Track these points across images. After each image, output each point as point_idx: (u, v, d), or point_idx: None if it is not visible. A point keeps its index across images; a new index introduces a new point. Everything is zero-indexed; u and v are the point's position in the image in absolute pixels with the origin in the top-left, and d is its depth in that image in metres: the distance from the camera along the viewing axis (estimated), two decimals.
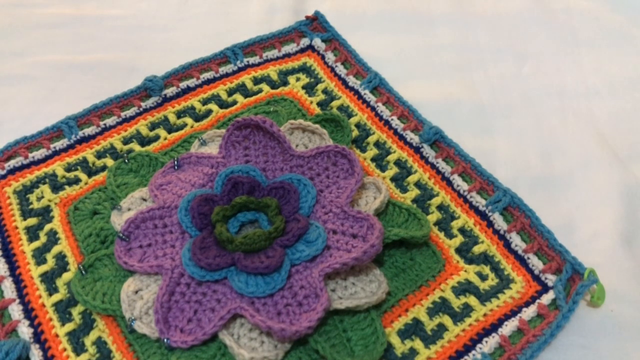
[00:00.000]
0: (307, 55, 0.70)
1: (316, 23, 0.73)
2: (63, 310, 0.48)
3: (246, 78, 0.67)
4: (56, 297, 0.49)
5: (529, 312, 0.48)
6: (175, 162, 0.56)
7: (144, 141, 0.61)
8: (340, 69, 0.68)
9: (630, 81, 0.70)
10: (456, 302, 0.49)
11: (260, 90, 0.66)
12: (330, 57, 0.70)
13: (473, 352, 0.46)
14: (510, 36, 0.76)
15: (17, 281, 0.50)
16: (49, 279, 0.50)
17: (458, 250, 0.52)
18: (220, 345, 0.45)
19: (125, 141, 0.61)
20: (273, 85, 0.67)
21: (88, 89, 0.68)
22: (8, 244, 0.53)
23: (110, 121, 0.62)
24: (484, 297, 0.49)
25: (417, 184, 0.57)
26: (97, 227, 0.52)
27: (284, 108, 0.63)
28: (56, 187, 0.56)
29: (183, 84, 0.66)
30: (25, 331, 0.47)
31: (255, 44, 0.70)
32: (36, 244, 0.52)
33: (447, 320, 0.48)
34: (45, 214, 0.55)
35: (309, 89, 0.67)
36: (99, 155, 0.60)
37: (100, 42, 0.75)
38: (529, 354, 0.45)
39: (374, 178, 0.54)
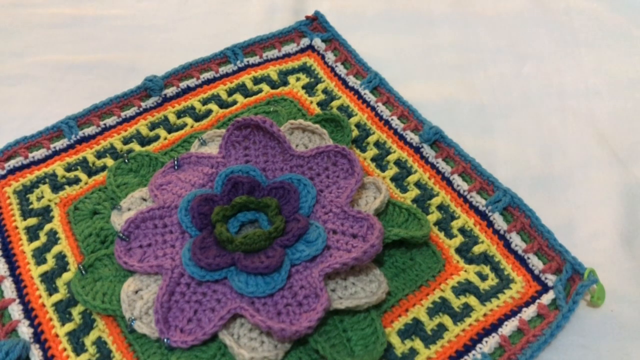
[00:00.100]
0: (307, 55, 0.70)
1: (316, 23, 0.73)
2: (63, 310, 0.48)
3: (246, 78, 0.67)
4: (56, 297, 0.49)
5: (529, 312, 0.48)
6: (175, 162, 0.56)
7: (144, 141, 0.61)
8: (340, 69, 0.68)
9: (630, 81, 0.70)
10: (456, 302, 0.49)
11: (260, 90, 0.66)
12: (330, 57, 0.70)
13: (473, 352, 0.46)
14: (510, 36, 0.76)
15: (17, 281, 0.50)
16: (49, 279, 0.50)
17: (458, 250, 0.52)
18: (220, 345, 0.45)
19: (125, 141, 0.61)
20: (273, 85, 0.67)
21: (88, 89, 0.68)
22: (8, 244, 0.53)
23: (110, 121, 0.62)
24: (484, 297, 0.49)
25: (417, 184, 0.57)
26: (97, 227, 0.52)
27: (284, 108, 0.63)
28: (56, 187, 0.56)
29: (183, 84, 0.66)
30: (25, 331, 0.47)
31: (255, 44, 0.70)
32: (36, 244, 0.52)
33: (447, 320, 0.47)
34: (45, 214, 0.55)
35: (309, 89, 0.67)
36: (99, 155, 0.60)
37: (100, 42, 0.75)
38: (529, 354, 0.45)
39: (374, 178, 0.54)
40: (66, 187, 0.57)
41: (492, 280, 0.50)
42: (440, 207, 0.55)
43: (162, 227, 0.50)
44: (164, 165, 0.56)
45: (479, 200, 0.55)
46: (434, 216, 0.54)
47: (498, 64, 0.72)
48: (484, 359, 0.45)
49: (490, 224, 0.54)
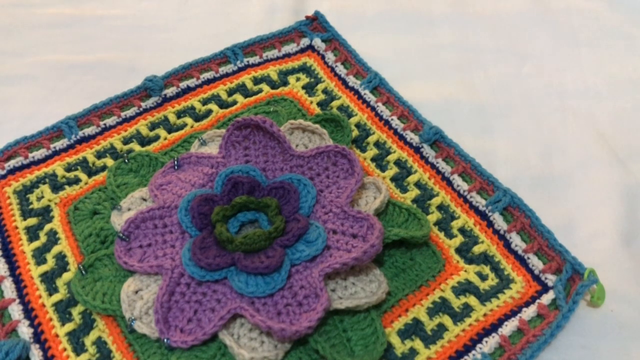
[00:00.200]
0: (307, 55, 0.70)
1: (316, 23, 0.73)
2: (63, 310, 0.48)
3: (246, 78, 0.67)
4: (56, 297, 0.49)
5: (529, 312, 0.48)
6: (175, 162, 0.56)
7: (144, 141, 0.61)
8: (340, 69, 0.68)
9: (630, 81, 0.70)
10: (456, 302, 0.49)
11: (260, 90, 0.66)
12: (330, 57, 0.70)
13: (473, 352, 0.46)
14: (510, 36, 0.76)
15: (17, 281, 0.50)
16: (49, 279, 0.50)
17: (458, 250, 0.52)
18: (220, 345, 0.45)
19: (125, 141, 0.61)
20: (273, 85, 0.67)
21: (88, 89, 0.68)
22: (8, 244, 0.53)
23: (110, 121, 0.62)
24: (484, 297, 0.49)
25: (417, 184, 0.57)
26: (97, 227, 0.52)
27: (284, 108, 0.63)
28: (56, 187, 0.56)
29: (183, 84, 0.66)
30: (25, 331, 0.47)
31: (255, 44, 0.70)
32: (36, 244, 0.52)
33: (447, 320, 0.47)
34: (45, 214, 0.55)
35: (309, 89, 0.67)
36: (99, 155, 0.60)
37: (100, 42, 0.75)
38: (529, 354, 0.45)
39: (374, 178, 0.54)
40: (66, 187, 0.57)
41: (492, 280, 0.50)
42: (440, 207, 0.55)
43: (162, 227, 0.50)
44: (164, 165, 0.56)
45: (479, 200, 0.55)
46: (434, 216, 0.54)
47: (498, 64, 0.72)
48: (484, 359, 0.45)
49: (490, 224, 0.54)
